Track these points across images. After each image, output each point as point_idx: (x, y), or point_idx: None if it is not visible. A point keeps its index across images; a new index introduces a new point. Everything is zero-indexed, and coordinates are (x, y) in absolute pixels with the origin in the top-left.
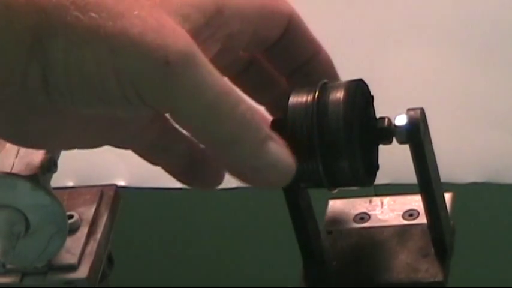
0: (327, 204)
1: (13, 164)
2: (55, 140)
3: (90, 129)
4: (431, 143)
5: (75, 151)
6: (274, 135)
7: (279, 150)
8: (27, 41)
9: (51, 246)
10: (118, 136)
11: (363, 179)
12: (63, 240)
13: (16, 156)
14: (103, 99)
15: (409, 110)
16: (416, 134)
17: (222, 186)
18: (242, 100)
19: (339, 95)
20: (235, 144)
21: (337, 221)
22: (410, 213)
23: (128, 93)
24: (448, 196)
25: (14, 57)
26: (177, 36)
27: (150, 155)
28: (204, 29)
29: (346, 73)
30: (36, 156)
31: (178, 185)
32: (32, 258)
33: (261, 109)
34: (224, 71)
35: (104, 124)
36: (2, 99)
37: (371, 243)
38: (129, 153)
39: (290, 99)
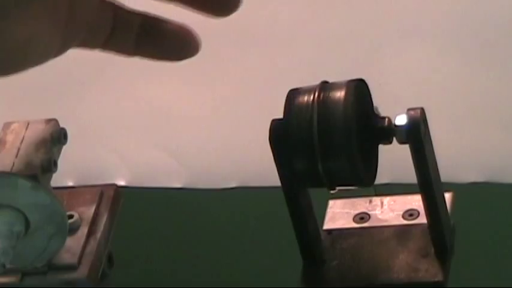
0: (327, 204)
1: (13, 164)
2: (32, 52)
3: (56, 27)
4: (431, 143)
5: (74, 151)
6: None
7: None
8: None
9: (51, 246)
10: (79, 27)
11: (363, 179)
12: (63, 240)
13: (16, 156)
14: None
15: (409, 109)
16: (416, 134)
17: (223, 185)
18: None
19: (339, 94)
20: None
21: (337, 220)
22: (410, 213)
23: None
24: (448, 196)
25: None
26: None
27: (116, 45)
28: None
29: (345, 73)
30: (36, 156)
31: (178, 184)
32: (32, 258)
33: None
34: None
35: (64, 15)
36: None
37: (371, 243)
38: (129, 153)
39: (290, 98)
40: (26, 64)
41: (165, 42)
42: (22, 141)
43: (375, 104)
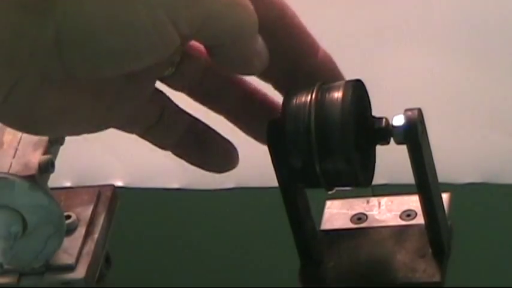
0: (324, 204)
1: (10, 165)
2: (64, 122)
3: (97, 108)
4: (428, 144)
5: (72, 152)
6: None
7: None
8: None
9: (48, 246)
10: (122, 114)
11: (361, 179)
12: (61, 241)
13: (14, 157)
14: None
15: (406, 110)
16: (414, 135)
17: (221, 186)
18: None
19: (337, 95)
20: (241, 39)
21: (334, 221)
22: (408, 214)
23: (164, 25)
24: (445, 196)
25: (16, 20)
26: None
27: (155, 137)
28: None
29: (344, 73)
30: (34, 156)
31: (176, 185)
32: (29, 258)
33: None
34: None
35: (109, 101)
36: (13, 75)
37: (368, 244)
38: (126, 154)
39: (287, 99)
40: (58, 131)
41: (208, 152)
42: (19, 141)
43: (372, 104)
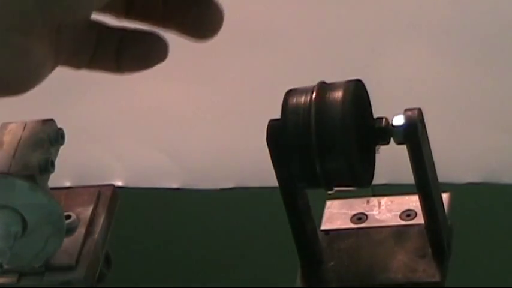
0: (324, 204)
1: (10, 165)
2: (31, 69)
3: (48, 48)
4: (428, 143)
5: (72, 151)
6: None
7: None
8: None
9: (48, 246)
10: (68, 46)
11: (361, 179)
12: (61, 241)
13: (13, 157)
14: None
15: (406, 110)
16: (414, 135)
17: (220, 186)
18: None
19: (337, 95)
20: None
21: (334, 221)
22: (408, 214)
23: None
24: (445, 196)
25: None
26: None
27: (100, 62)
28: None
29: (344, 73)
30: (34, 156)
31: (175, 185)
32: (29, 258)
33: None
34: None
35: (52, 40)
36: None
37: (368, 244)
38: (126, 154)
39: (287, 99)
40: (39, 81)
41: (138, 52)
42: (19, 141)
43: (372, 104)
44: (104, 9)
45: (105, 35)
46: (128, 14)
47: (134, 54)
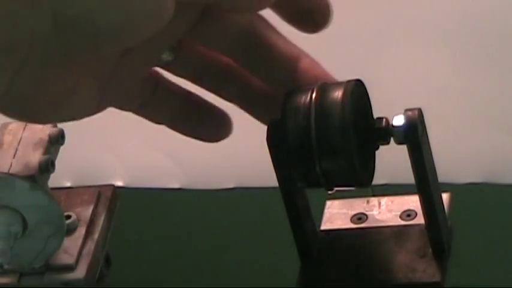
0: (324, 204)
1: (11, 165)
2: (65, 106)
3: (95, 87)
4: (428, 144)
5: (72, 151)
6: None
7: None
8: None
9: (48, 246)
10: (118, 91)
11: (361, 179)
12: (61, 241)
13: (14, 157)
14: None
15: (406, 110)
16: (414, 135)
17: (220, 186)
18: None
19: (337, 95)
20: None
21: (334, 221)
22: (408, 214)
23: None
24: (445, 196)
25: (12, 7)
26: None
27: (149, 112)
28: None
29: (344, 73)
30: (34, 156)
31: (176, 185)
32: (29, 258)
33: None
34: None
35: (106, 79)
36: (13, 60)
37: (368, 244)
38: (127, 154)
39: (287, 99)
40: (60, 117)
41: (201, 123)
42: (20, 141)
43: (372, 104)
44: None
45: (166, 88)
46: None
47: (195, 125)
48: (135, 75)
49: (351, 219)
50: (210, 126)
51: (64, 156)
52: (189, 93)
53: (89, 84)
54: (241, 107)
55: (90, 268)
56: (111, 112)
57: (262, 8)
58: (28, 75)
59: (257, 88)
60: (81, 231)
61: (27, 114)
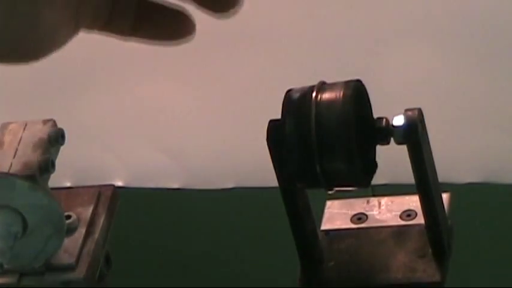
0: (324, 204)
1: (11, 165)
2: (51, 37)
3: (71, 10)
4: (428, 144)
5: (72, 152)
6: None
7: None
8: None
9: (48, 246)
10: (89, 8)
11: (361, 179)
12: (61, 241)
13: (14, 157)
14: None
15: (406, 110)
16: (414, 135)
17: (220, 186)
18: None
19: (337, 95)
20: None
21: (334, 221)
22: (408, 214)
23: None
24: (445, 196)
25: None
26: None
27: (114, 26)
28: None
29: (344, 73)
30: (34, 156)
31: (176, 185)
32: (29, 258)
33: None
34: None
35: (74, 3)
36: None
37: (369, 244)
38: (127, 154)
39: (287, 99)
40: (53, 48)
41: (161, 23)
42: (20, 141)
43: (372, 104)
44: None
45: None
46: None
47: (156, 25)
48: None
49: (351, 219)
50: (173, 25)
51: (64, 156)
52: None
53: (68, 7)
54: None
55: (90, 268)
56: (111, 112)
57: None
58: (19, 13)
59: None
60: (81, 231)
61: (19, 52)
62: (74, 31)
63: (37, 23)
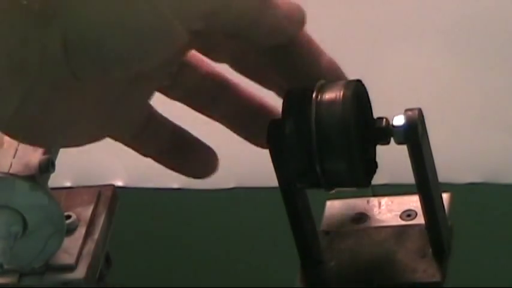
0: (324, 204)
1: (11, 165)
2: (71, 132)
3: (99, 115)
4: (429, 144)
5: (72, 151)
6: None
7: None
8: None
9: (48, 246)
10: (121, 121)
11: (361, 179)
12: (61, 241)
13: (14, 157)
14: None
15: (406, 110)
16: (414, 135)
17: (220, 186)
18: None
19: (337, 95)
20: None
21: (335, 221)
22: (408, 214)
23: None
24: (445, 196)
25: (23, 28)
26: None
27: (140, 145)
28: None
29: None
30: (34, 156)
31: (176, 185)
32: (29, 258)
33: None
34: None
35: (110, 108)
36: (24, 84)
37: (369, 244)
38: (127, 153)
39: (287, 99)
40: (64, 142)
41: (188, 160)
42: None
43: (372, 104)
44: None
45: (157, 121)
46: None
47: (182, 161)
48: (139, 102)
49: (351, 220)
50: (196, 163)
51: (64, 156)
52: (178, 127)
53: (95, 110)
54: (230, 126)
55: (90, 268)
56: None
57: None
58: (38, 98)
59: (247, 107)
60: (81, 231)
61: (32, 137)
62: (99, 136)
63: (51, 111)
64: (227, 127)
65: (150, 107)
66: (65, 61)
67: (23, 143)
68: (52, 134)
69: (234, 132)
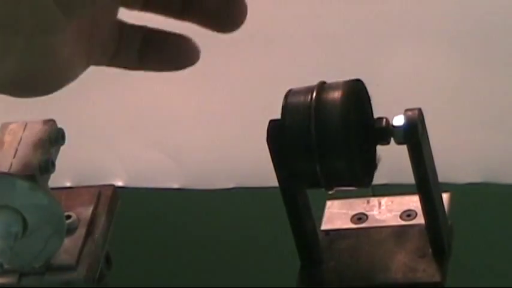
0: (324, 204)
1: (11, 165)
2: (66, 72)
3: (83, 46)
4: (429, 144)
5: (72, 152)
6: None
7: None
8: None
9: (49, 246)
10: (98, 44)
11: (361, 179)
12: (61, 241)
13: (14, 157)
14: None
15: (406, 110)
16: (414, 135)
17: (220, 186)
18: None
19: (337, 95)
20: None
21: (335, 221)
22: (408, 214)
23: None
24: (445, 196)
25: None
26: None
27: (120, 60)
28: None
29: (344, 73)
30: (34, 156)
31: (176, 185)
32: (29, 258)
33: None
34: None
35: (89, 34)
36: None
37: (369, 244)
38: (127, 154)
39: (287, 99)
40: (66, 82)
41: (166, 53)
42: (20, 141)
43: (372, 104)
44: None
45: (128, 32)
46: (145, 6)
47: (161, 56)
48: (110, 19)
49: (351, 219)
50: (177, 54)
51: (64, 156)
52: (150, 29)
53: (81, 42)
54: (195, 21)
55: (91, 268)
56: (111, 112)
57: None
58: (36, 48)
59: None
60: (82, 231)
61: (37, 88)
62: (85, 66)
63: (52, 56)
64: (192, 21)
65: (120, 24)
66: (53, 4)
67: (25, 97)
68: (53, 78)
69: (199, 24)
